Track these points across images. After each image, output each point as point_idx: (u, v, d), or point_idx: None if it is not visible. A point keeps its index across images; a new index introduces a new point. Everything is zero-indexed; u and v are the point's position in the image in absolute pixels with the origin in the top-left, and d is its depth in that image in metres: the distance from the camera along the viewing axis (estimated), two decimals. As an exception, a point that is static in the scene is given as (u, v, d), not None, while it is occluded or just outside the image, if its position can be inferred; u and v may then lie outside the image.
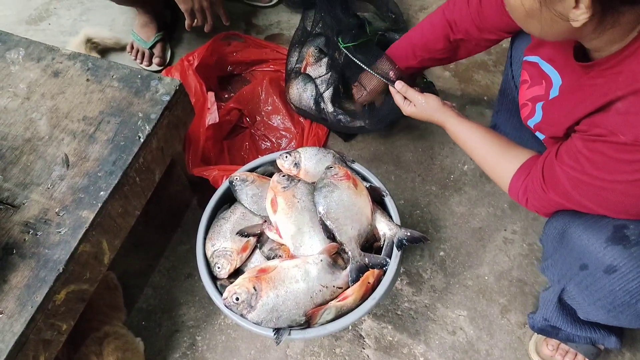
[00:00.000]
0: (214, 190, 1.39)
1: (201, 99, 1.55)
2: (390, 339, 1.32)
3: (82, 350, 1.18)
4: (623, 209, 0.85)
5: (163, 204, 1.55)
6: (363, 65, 1.38)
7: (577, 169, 0.84)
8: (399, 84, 1.28)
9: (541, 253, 1.43)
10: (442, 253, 1.46)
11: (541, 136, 1.04)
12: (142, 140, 1.16)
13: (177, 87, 1.24)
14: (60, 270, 0.99)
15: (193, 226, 1.52)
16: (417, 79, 1.55)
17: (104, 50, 2.00)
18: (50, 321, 1.00)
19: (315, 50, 1.68)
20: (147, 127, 1.18)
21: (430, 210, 1.53)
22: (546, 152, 0.95)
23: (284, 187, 1.24)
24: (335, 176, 1.23)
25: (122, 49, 2.02)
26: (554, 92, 0.96)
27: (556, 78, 0.96)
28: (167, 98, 1.22)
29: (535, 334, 1.29)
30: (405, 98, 1.29)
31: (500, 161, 1.08)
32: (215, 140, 1.60)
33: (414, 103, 1.25)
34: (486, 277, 1.41)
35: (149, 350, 1.31)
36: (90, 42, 1.93)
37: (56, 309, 1.01)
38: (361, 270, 1.14)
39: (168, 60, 1.95)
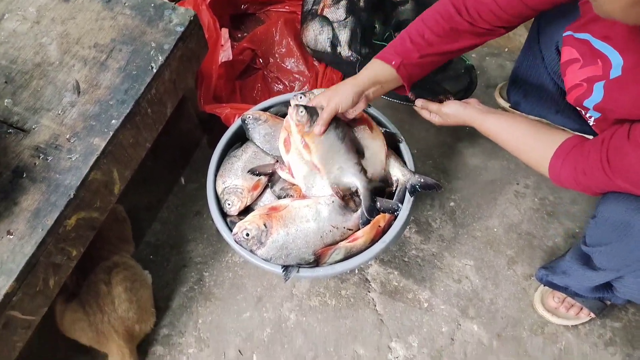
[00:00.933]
0: (225, 129, 1.36)
1: (214, 35, 1.50)
2: (396, 284, 1.33)
3: (91, 278, 1.19)
4: None
5: (173, 141, 1.53)
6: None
7: None
8: (419, 102, 1.23)
9: (556, 210, 1.42)
10: (452, 204, 1.45)
11: (596, 115, 0.97)
12: (154, 70, 1.13)
13: (192, 18, 1.20)
14: (71, 196, 0.99)
15: (202, 165, 1.51)
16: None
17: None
18: (60, 245, 1.01)
19: None
20: (160, 58, 1.14)
21: (443, 161, 1.51)
22: (607, 134, 0.87)
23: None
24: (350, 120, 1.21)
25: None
26: (614, 72, 0.89)
27: (616, 58, 0.88)
28: (181, 29, 1.18)
29: (542, 285, 1.30)
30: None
31: (536, 145, 1.01)
32: (228, 79, 1.57)
33: (438, 115, 1.20)
34: (495, 229, 1.40)
35: (156, 283, 1.32)
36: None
37: (66, 234, 1.01)
38: (372, 213, 1.13)
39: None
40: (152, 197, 1.47)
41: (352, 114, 1.17)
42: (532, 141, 1.02)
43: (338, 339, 1.27)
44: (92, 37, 1.18)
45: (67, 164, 1.02)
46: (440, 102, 1.21)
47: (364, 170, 1.16)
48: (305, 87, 1.61)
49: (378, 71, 1.13)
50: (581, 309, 1.25)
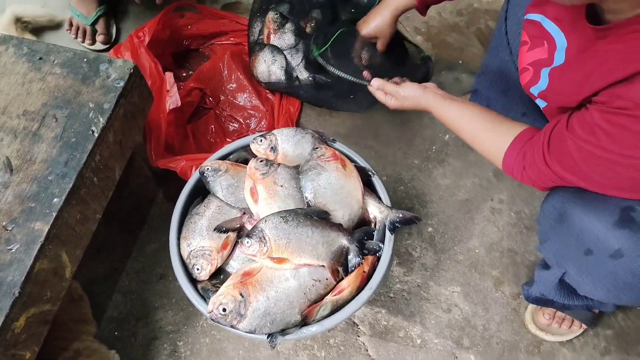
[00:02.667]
0: (182, 181, 1.26)
1: (158, 80, 1.39)
2: (385, 323, 1.27)
3: (51, 375, 1.05)
4: (634, 186, 0.80)
5: (124, 200, 1.40)
6: (339, 73, 1.33)
7: (591, 142, 0.77)
8: (376, 82, 1.19)
9: (534, 223, 1.40)
10: (430, 229, 1.40)
11: (542, 104, 0.97)
12: (96, 134, 1.01)
13: (132, 70, 1.09)
14: (16, 295, 0.86)
15: (161, 222, 1.40)
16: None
17: (37, 30, 1.78)
18: (10, 352, 0.87)
19: (276, 16, 1.54)
20: (101, 119, 1.03)
21: (414, 185, 1.46)
22: (551, 124, 0.88)
23: (263, 174, 1.13)
24: (322, 157, 1.14)
25: (58, 26, 1.80)
26: (558, 56, 0.88)
27: (561, 40, 0.88)
28: (121, 84, 1.07)
29: (530, 304, 1.27)
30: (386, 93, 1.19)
31: (492, 136, 1.01)
32: (178, 125, 1.46)
33: (394, 96, 1.16)
34: (477, 250, 1.37)
35: (126, 363, 1.19)
36: (20, 22, 1.71)
37: (16, 338, 0.88)
38: (359, 255, 1.06)
39: (114, 37, 1.75)
40: (109, 266, 1.33)
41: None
42: (488, 132, 1.01)
43: (333, 393, 1.19)
44: (20, 104, 1.05)
45: (6, 257, 0.89)
46: (398, 83, 1.16)
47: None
48: (262, 122, 1.52)
49: None
50: (572, 321, 1.23)
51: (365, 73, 1.29)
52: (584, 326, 1.22)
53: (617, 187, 0.81)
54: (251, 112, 1.55)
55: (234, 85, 1.58)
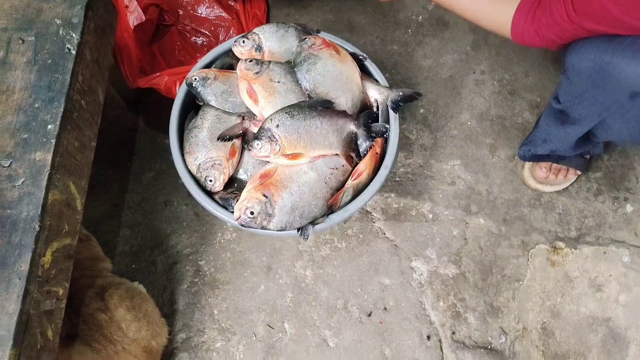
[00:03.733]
0: (163, 104, 1.18)
1: (111, -2, 1.26)
2: (396, 206, 1.30)
3: (84, 312, 1.02)
4: None
5: (104, 134, 1.31)
6: None
7: None
8: None
9: (516, 87, 1.44)
10: (422, 110, 1.41)
11: None
12: (73, 52, 0.92)
13: (92, -22, 0.98)
14: (37, 229, 0.80)
15: (150, 150, 1.34)
16: None
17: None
18: (45, 289, 0.83)
19: None
20: (74, 35, 0.93)
21: (398, 71, 1.45)
22: None
23: (257, 73, 1.08)
24: (314, 46, 1.09)
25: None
26: None
27: None
28: (83, -4, 0.96)
29: (526, 162, 1.33)
30: None
31: (495, 7, 0.98)
32: (142, 47, 1.35)
33: None
34: (469, 123, 1.40)
35: (152, 292, 1.18)
36: None
37: (47, 274, 0.83)
38: (368, 138, 1.06)
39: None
40: (108, 204, 1.27)
41: None
42: (490, 4, 0.99)
43: (361, 277, 1.23)
44: (-25, 33, 0.92)
45: (14, 193, 0.82)
46: None
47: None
48: (231, 30, 1.44)
49: None
50: (567, 170, 1.31)
51: None
52: (578, 172, 1.31)
53: None
54: (216, 22, 1.46)
55: (191, -3, 1.47)
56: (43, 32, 0.93)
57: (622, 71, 0.87)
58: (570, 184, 1.32)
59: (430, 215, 1.30)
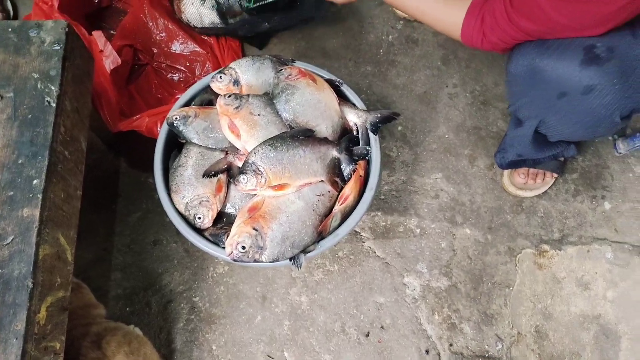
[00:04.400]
0: (144, 145, 1.19)
1: (87, 43, 1.27)
2: (384, 224, 1.32)
3: (82, 363, 1.01)
4: (598, 20, 0.86)
5: (87, 179, 1.31)
6: None
7: None
8: None
9: (488, 98, 1.48)
10: (400, 128, 1.44)
11: None
12: (53, 104, 0.92)
13: (67, 29, 0.99)
14: (31, 286, 0.80)
15: (134, 192, 1.34)
16: None
17: None
18: (42, 345, 0.83)
19: None
20: (53, 88, 0.94)
21: (374, 91, 1.49)
22: None
23: (237, 107, 1.10)
24: (290, 77, 1.12)
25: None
26: None
27: None
28: (60, 46, 0.97)
29: (505, 170, 1.37)
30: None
31: (446, 10, 1.03)
32: (119, 88, 1.36)
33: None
34: (446, 136, 1.44)
35: (149, 333, 1.17)
36: None
37: (43, 330, 0.83)
38: (351, 162, 1.08)
39: (12, 12, 1.55)
40: (96, 248, 1.26)
41: None
42: (442, 7, 1.04)
43: (356, 298, 1.24)
44: (-48, 94, 0.92)
45: (4, 252, 0.82)
46: None
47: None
48: (207, 65, 1.45)
49: None
50: (544, 173, 1.35)
51: None
52: (555, 175, 1.35)
53: (583, 26, 0.87)
54: (191, 57, 1.47)
55: (164, 35, 1.48)
56: (21, 88, 0.93)
57: (549, 73, 0.93)
58: (549, 187, 1.36)
59: (418, 230, 1.32)
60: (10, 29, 0.98)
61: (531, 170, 1.34)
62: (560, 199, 1.36)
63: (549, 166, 1.33)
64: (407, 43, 1.55)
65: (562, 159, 1.35)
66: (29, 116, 0.91)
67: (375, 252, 1.29)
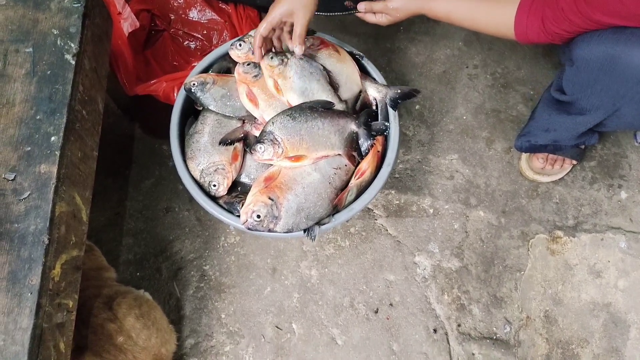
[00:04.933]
0: (160, 110, 1.18)
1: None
2: (397, 202, 1.31)
3: (93, 323, 1.02)
4: None
5: (101, 143, 1.30)
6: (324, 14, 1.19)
7: None
8: (362, 6, 1.12)
9: (509, 80, 1.46)
10: (417, 107, 1.42)
11: None
12: (73, 62, 0.91)
13: (87, -14, 0.97)
14: (46, 242, 0.80)
15: (148, 158, 1.33)
16: None
17: None
18: (56, 302, 0.83)
19: None
20: (73, 45, 0.92)
21: (392, 68, 1.46)
22: None
23: (255, 76, 1.08)
24: (312, 47, 1.10)
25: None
26: None
27: None
28: (80, 3, 0.95)
29: (523, 153, 1.35)
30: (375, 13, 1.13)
31: (494, 11, 1.00)
32: (136, 53, 1.34)
33: (385, 13, 1.10)
34: (464, 117, 1.42)
35: (158, 298, 1.17)
36: None
37: (57, 286, 0.83)
38: (369, 137, 1.07)
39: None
40: (108, 212, 1.26)
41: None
42: (488, 8, 1.01)
43: (366, 274, 1.24)
44: (-29, 46, 0.91)
45: (20, 207, 0.81)
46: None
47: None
48: (225, 34, 1.43)
49: None
50: (563, 160, 1.33)
51: (347, 2, 1.18)
52: (574, 162, 1.33)
53: None
54: (209, 25, 1.45)
55: (181, 1, 1.46)
56: (40, 43, 0.92)
57: (630, 60, 0.89)
58: (566, 174, 1.35)
59: (431, 210, 1.31)
60: (29, -17, 0.96)
61: (550, 155, 1.32)
62: (576, 186, 1.35)
63: (569, 153, 1.31)
64: (428, 22, 1.51)
65: (583, 146, 1.33)
66: (48, 72, 0.90)
67: (387, 230, 1.28)
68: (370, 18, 1.16)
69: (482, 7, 1.01)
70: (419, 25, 1.52)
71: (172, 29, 1.45)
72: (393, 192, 1.32)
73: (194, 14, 1.46)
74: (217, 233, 1.26)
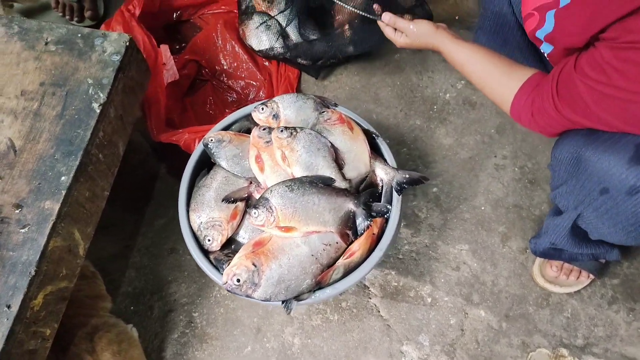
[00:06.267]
0: (184, 155, 1.25)
1: (152, 54, 1.36)
2: (396, 284, 1.29)
3: (72, 351, 1.07)
4: None
5: (127, 178, 1.39)
6: (343, 4, 1.23)
7: (602, 81, 0.77)
8: (387, 16, 1.15)
9: (538, 177, 1.40)
10: (435, 189, 1.40)
11: (548, 49, 0.95)
12: (98, 110, 1.00)
13: (128, 43, 1.07)
14: (33, 273, 0.87)
15: (166, 197, 1.40)
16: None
17: (23, 11, 1.73)
18: (31, 330, 0.89)
19: None
20: (102, 95, 1.02)
21: (417, 146, 1.46)
22: (558, 67, 0.87)
23: (267, 142, 1.12)
24: (329, 121, 1.13)
25: (44, 7, 1.75)
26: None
27: None
28: (118, 57, 1.06)
29: (538, 257, 1.29)
30: (395, 29, 1.16)
31: (502, 80, 0.99)
32: (176, 99, 1.44)
33: (405, 33, 1.13)
34: (482, 208, 1.37)
35: (143, 336, 1.22)
36: (6, 2, 1.66)
37: (35, 315, 0.89)
38: (367, 218, 1.06)
39: (102, 12, 1.71)
40: (119, 244, 1.34)
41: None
42: (498, 75, 1.00)
43: (348, 354, 1.21)
44: (17, 84, 1.03)
45: (19, 237, 0.89)
46: (410, 20, 1.13)
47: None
48: (261, 91, 1.51)
49: None
50: (580, 272, 1.25)
51: (376, 6, 1.20)
52: (592, 276, 1.24)
53: (630, 124, 0.80)
54: (249, 81, 1.54)
55: (229, 55, 1.56)
56: (74, 90, 1.02)
57: (593, 165, 0.87)
58: (583, 287, 1.26)
59: (429, 299, 1.27)
60: (79, 35, 1.07)
61: (566, 264, 1.24)
62: (593, 302, 1.25)
63: (586, 265, 1.23)
64: (463, 104, 1.51)
65: (602, 260, 1.24)
66: (75, 117, 0.99)
67: (379, 312, 1.25)
68: (389, 32, 1.17)
69: (495, 72, 1.01)
70: (453, 106, 1.52)
71: (215, 81, 1.55)
72: (393, 272, 1.30)
73: (238, 69, 1.55)
74: (212, 282, 1.29)
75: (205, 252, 1.10)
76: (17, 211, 0.91)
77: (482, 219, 1.36)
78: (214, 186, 1.15)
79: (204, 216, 1.11)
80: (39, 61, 1.05)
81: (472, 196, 1.39)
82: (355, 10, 1.23)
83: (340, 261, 1.05)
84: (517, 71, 0.98)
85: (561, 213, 1.09)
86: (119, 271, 1.31)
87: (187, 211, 1.14)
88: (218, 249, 1.10)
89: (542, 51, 1.01)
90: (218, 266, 1.08)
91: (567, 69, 0.84)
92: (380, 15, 1.16)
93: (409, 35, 1.12)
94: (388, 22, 1.15)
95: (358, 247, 1.06)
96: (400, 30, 1.14)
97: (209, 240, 1.09)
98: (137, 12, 1.46)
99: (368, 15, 1.21)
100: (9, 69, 1.04)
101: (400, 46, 1.15)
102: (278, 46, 1.49)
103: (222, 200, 1.12)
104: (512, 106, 0.97)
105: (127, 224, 1.37)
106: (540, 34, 0.93)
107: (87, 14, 1.68)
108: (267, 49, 1.49)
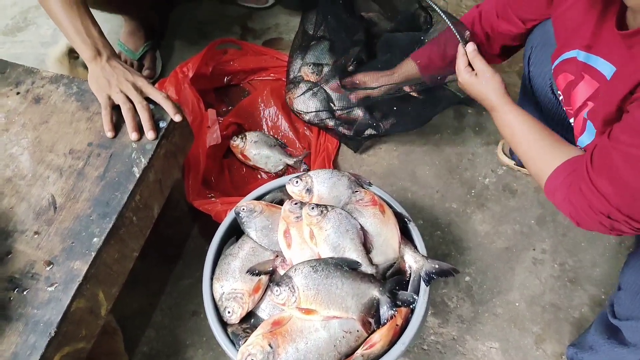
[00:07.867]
0: (216, 221, 1.27)
1: (199, 117, 1.42)
2: (418, 376, 1.22)
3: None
4: None
5: (160, 234, 1.42)
6: (441, 14, 1.17)
7: (636, 144, 0.71)
8: (471, 47, 1.11)
9: (578, 276, 1.33)
10: (467, 278, 1.35)
11: (592, 132, 0.92)
12: (137, 175, 1.03)
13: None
14: (52, 334, 0.87)
15: (195, 258, 1.41)
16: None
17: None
18: (43, 391, 0.88)
19: (308, 68, 1.56)
20: (143, 160, 1.05)
21: (451, 231, 1.42)
22: (592, 144, 0.85)
23: (298, 217, 1.12)
24: (361, 202, 1.12)
25: (109, 60, 1.87)
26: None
27: (605, 67, 0.85)
28: (164, 125, 1.10)
29: (575, 366, 1.19)
30: (468, 64, 1.12)
31: (546, 154, 0.95)
32: (215, 159, 1.48)
33: (476, 73, 1.09)
34: (517, 304, 1.30)
35: (153, 401, 1.19)
36: (72, 54, 1.78)
37: (49, 376, 0.89)
38: (392, 307, 1.03)
39: (159, 71, 1.80)
40: (143, 301, 1.35)
41: None
42: (542, 148, 0.95)
43: None
44: (67, 143, 1.08)
45: (45, 295, 0.91)
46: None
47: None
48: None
49: None
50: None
51: (468, 35, 1.17)
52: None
53: None
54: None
55: (271, 121, 1.60)
56: (118, 153, 1.06)
57: None
58: (623, 406, 1.15)
59: (452, 398, 1.19)
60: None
61: (605, 378, 1.14)
62: None
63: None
64: (503, 191, 1.47)
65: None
66: (115, 179, 1.03)
67: (398, 405, 1.18)
68: (460, 63, 1.12)
69: (539, 142, 0.96)
70: (493, 192, 1.48)
71: (255, 145, 1.58)
72: (416, 364, 1.24)
73: (277, 135, 1.58)
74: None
75: (224, 324, 1.09)
76: (48, 269, 0.93)
77: (515, 315, 1.29)
78: (240, 256, 1.14)
79: (227, 286, 1.10)
80: (90, 122, 1.10)
81: (506, 290, 1.33)
82: (446, 20, 1.16)
83: (360, 351, 1.01)
84: (563, 148, 0.93)
85: (618, 338, 1.00)
86: (139, 329, 1.31)
87: (212, 278, 1.14)
88: (237, 322, 1.08)
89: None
90: (235, 341, 1.05)
91: (602, 141, 0.80)
92: (467, 42, 1.13)
93: (479, 78, 1.08)
94: (469, 53, 1.11)
95: (379, 338, 1.02)
96: (474, 67, 1.10)
97: (228, 312, 1.08)
98: (191, 74, 1.53)
99: (456, 34, 1.15)
100: (62, 127, 1.10)
101: (461, 81, 1.12)
102: (323, 117, 1.52)
103: (247, 272, 1.11)
104: (547, 182, 0.91)
105: (153, 282, 1.37)
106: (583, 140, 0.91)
107: (145, 72, 1.77)
108: (313, 114, 1.52)
